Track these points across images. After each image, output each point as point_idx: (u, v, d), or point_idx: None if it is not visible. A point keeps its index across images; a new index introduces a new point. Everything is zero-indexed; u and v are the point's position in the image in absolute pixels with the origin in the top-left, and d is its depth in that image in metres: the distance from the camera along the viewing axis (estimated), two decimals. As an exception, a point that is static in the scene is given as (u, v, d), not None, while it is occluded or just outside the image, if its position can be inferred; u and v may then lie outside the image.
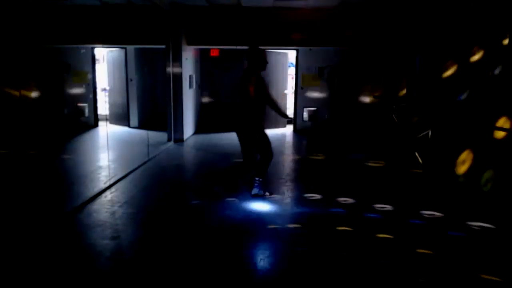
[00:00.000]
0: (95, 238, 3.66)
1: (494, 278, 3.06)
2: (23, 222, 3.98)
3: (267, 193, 4.89)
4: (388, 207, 4.54)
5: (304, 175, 6.15)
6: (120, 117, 10.25)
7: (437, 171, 6.17)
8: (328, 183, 5.61)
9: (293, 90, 10.28)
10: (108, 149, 7.02)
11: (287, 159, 7.11)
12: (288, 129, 10.32)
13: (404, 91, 8.96)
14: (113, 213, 4.27)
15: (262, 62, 4.64)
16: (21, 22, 8.61)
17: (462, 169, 5.64)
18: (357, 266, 3.21)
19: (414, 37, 8.19)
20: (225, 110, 10.65)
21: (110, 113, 10.44)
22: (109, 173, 5.76)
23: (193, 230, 3.93)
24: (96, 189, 4.99)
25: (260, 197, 4.81)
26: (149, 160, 6.76)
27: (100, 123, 10.16)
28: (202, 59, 10.38)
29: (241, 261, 3.27)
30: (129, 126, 10.09)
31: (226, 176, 5.53)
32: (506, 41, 4.86)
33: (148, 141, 7.42)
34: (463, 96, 5.79)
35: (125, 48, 9.77)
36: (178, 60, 8.25)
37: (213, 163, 6.87)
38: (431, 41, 7.37)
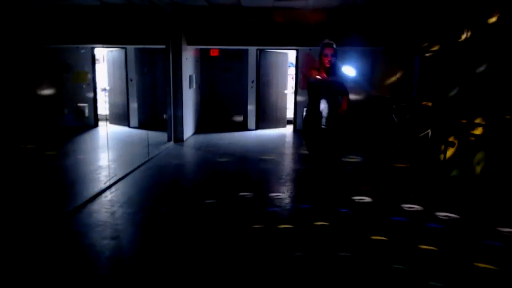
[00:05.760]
0: (95, 238, 3.66)
1: None
2: (23, 222, 3.98)
3: None
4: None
5: (304, 175, 6.14)
6: (120, 117, 10.24)
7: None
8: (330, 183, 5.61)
9: (293, 90, 10.27)
10: (108, 149, 7.02)
11: (287, 159, 7.11)
12: (288, 129, 10.31)
13: (404, 91, 8.95)
14: (113, 213, 4.27)
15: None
16: (21, 22, 8.60)
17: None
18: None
19: (414, 37, 8.19)
20: (225, 110, 10.64)
21: (110, 113, 10.44)
22: (109, 173, 5.76)
23: (195, 231, 3.93)
24: (96, 189, 4.99)
25: None
26: (149, 160, 6.76)
27: (100, 123, 10.17)
28: (202, 59, 10.37)
29: (242, 262, 3.28)
30: (129, 126, 10.09)
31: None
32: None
33: (148, 141, 7.42)
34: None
35: (125, 48, 9.77)
36: (178, 60, 8.24)
37: (213, 163, 6.88)
38: (431, 41, 7.37)
